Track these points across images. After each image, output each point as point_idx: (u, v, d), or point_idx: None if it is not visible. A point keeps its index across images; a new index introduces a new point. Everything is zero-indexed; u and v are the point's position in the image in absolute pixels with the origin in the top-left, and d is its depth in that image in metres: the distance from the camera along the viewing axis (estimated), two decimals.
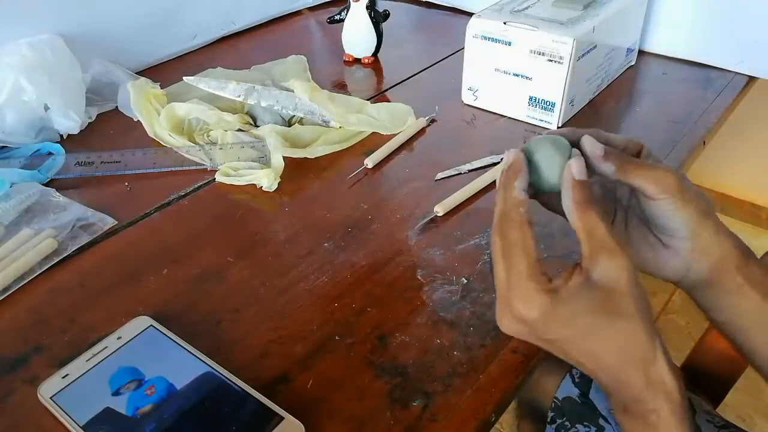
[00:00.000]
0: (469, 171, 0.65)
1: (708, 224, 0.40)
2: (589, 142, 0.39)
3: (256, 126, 0.73)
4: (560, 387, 0.70)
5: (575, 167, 0.37)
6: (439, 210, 0.58)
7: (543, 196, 0.42)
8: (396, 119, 0.73)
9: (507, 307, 0.36)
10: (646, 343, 0.35)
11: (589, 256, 0.36)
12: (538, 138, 0.40)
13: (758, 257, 0.42)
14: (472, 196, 0.61)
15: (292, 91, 0.74)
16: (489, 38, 0.72)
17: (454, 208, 0.59)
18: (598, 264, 0.35)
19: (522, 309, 0.35)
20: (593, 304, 0.35)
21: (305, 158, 0.67)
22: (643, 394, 0.35)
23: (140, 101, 0.73)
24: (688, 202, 0.40)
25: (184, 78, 0.77)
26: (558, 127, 0.72)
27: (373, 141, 0.71)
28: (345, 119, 0.71)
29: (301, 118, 0.73)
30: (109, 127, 0.75)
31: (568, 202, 0.37)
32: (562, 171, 0.38)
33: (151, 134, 0.71)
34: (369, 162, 0.66)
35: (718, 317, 0.43)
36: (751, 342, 0.42)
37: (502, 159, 0.66)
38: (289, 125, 0.73)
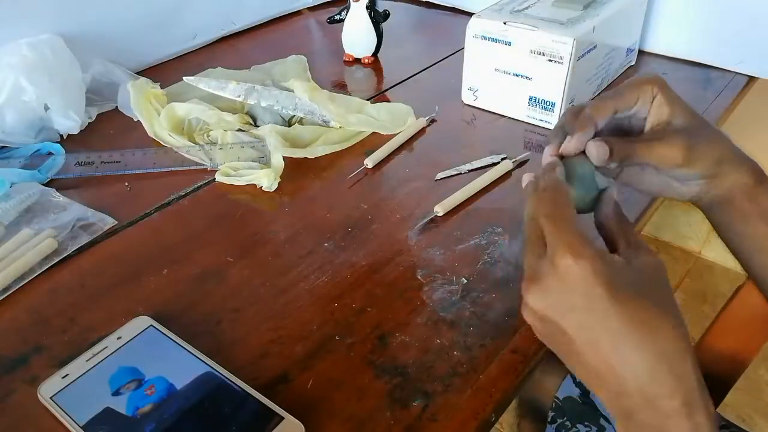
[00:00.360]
0: (469, 171, 0.65)
1: (720, 168, 0.42)
2: (594, 151, 0.40)
3: (256, 126, 0.73)
4: (561, 387, 0.70)
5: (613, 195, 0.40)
6: (439, 210, 0.58)
7: None
8: (396, 119, 0.73)
9: (541, 277, 0.34)
10: (683, 343, 0.32)
11: (627, 247, 0.36)
12: (572, 162, 0.41)
13: None
14: (472, 196, 0.61)
15: (292, 91, 0.73)
16: (489, 38, 0.72)
17: (454, 208, 0.59)
18: (639, 254, 0.35)
19: (570, 259, 0.32)
20: (637, 279, 0.33)
21: (305, 158, 0.67)
22: (683, 408, 0.31)
23: (140, 101, 0.73)
24: (697, 163, 0.41)
25: (184, 78, 0.77)
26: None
27: (373, 141, 0.71)
28: (345, 119, 0.71)
29: (301, 118, 0.73)
30: (109, 127, 0.75)
31: (603, 213, 0.39)
32: (585, 200, 0.40)
33: (151, 134, 0.71)
34: (369, 162, 0.66)
35: (723, 234, 0.45)
36: (748, 260, 0.45)
37: (502, 159, 0.66)
38: (289, 125, 0.73)
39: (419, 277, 0.52)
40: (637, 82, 0.42)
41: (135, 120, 0.74)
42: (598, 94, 0.79)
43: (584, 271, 0.32)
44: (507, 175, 0.64)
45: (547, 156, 0.41)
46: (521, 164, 0.66)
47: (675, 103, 0.42)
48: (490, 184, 0.62)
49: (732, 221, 0.44)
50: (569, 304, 0.33)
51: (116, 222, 0.59)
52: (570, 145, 0.41)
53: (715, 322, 0.78)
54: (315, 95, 0.72)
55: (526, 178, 0.41)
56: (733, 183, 0.43)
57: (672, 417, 0.31)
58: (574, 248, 0.33)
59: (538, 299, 0.35)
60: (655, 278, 0.34)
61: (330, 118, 0.71)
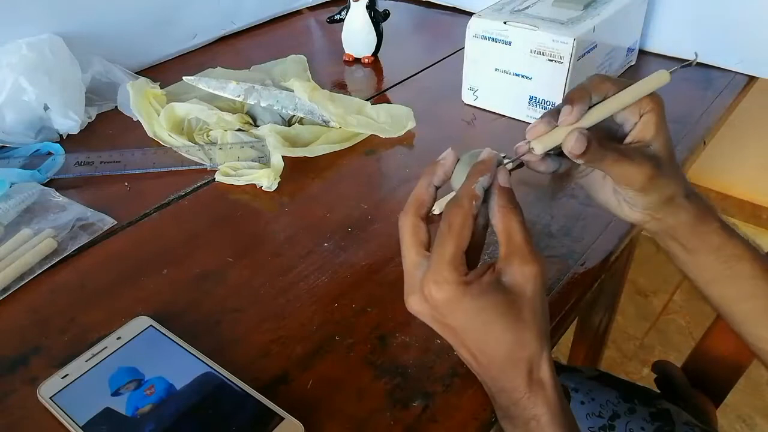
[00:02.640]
0: None
1: (668, 204, 0.42)
2: (570, 142, 0.39)
3: (256, 126, 0.72)
4: None
5: (501, 176, 0.39)
6: (438, 210, 0.58)
7: None
8: (396, 121, 0.73)
9: (418, 285, 0.38)
10: (534, 349, 0.37)
11: (504, 258, 0.37)
12: (470, 154, 0.41)
13: (722, 222, 0.44)
14: None
15: (292, 91, 0.73)
16: (489, 38, 0.72)
17: None
18: (511, 267, 0.37)
19: (434, 290, 0.36)
20: (498, 303, 0.36)
21: (305, 158, 0.67)
22: (525, 400, 0.37)
23: (139, 101, 0.73)
24: (652, 193, 0.41)
25: (184, 78, 0.77)
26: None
27: (374, 141, 0.71)
28: (344, 120, 0.71)
29: (301, 118, 0.73)
30: (108, 127, 0.75)
31: (493, 205, 0.39)
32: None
33: (150, 134, 0.71)
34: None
35: (676, 264, 0.46)
36: (702, 290, 0.45)
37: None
38: (289, 125, 0.73)
39: None
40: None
41: (135, 120, 0.74)
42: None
43: (443, 298, 0.36)
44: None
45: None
46: (521, 164, 0.66)
47: (661, 129, 0.43)
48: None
49: (680, 251, 0.44)
50: (438, 316, 0.38)
51: (116, 222, 0.59)
52: (571, 117, 0.40)
53: (716, 322, 0.78)
54: (315, 95, 0.72)
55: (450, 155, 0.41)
56: (677, 221, 0.43)
57: (516, 403, 0.38)
58: (438, 277, 0.36)
59: (414, 302, 0.39)
60: (519, 296, 0.37)
61: (329, 118, 0.71)
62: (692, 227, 0.43)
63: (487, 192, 0.39)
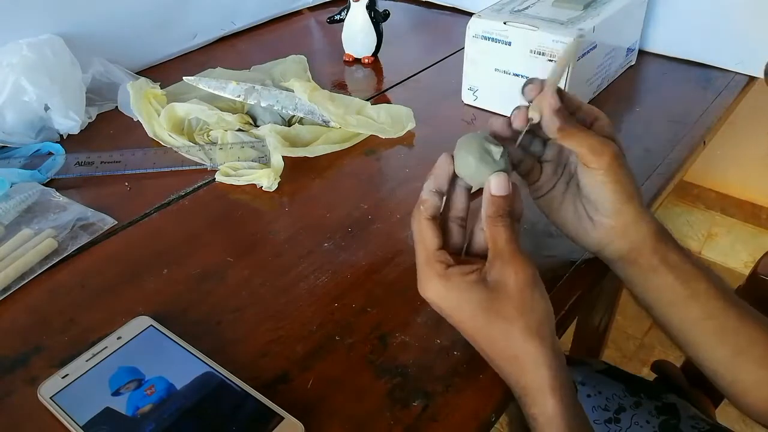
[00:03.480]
0: None
1: (630, 208, 0.43)
2: (549, 95, 0.43)
3: (256, 126, 0.72)
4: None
5: (494, 184, 0.42)
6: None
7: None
8: (396, 122, 0.73)
9: (421, 276, 0.42)
10: (529, 350, 0.38)
11: (489, 261, 0.40)
12: (468, 136, 0.43)
13: (678, 243, 0.45)
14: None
15: (292, 91, 0.73)
16: (489, 38, 0.72)
17: None
18: (493, 268, 0.39)
19: (423, 290, 0.41)
20: (480, 299, 0.39)
21: (305, 158, 0.67)
22: (523, 397, 0.39)
23: (139, 101, 0.73)
24: (616, 180, 0.42)
25: (184, 78, 0.77)
26: None
27: (374, 141, 0.71)
28: (344, 120, 0.71)
29: (301, 118, 0.73)
30: (109, 127, 0.75)
31: (482, 212, 0.42)
32: (478, 176, 0.42)
33: (150, 134, 0.71)
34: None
35: (634, 291, 0.46)
36: (662, 316, 0.45)
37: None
38: (289, 125, 0.73)
39: None
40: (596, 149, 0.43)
41: (135, 120, 0.74)
42: (598, 94, 0.79)
43: (429, 297, 0.41)
44: None
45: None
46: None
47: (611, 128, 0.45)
48: None
49: (639, 274, 0.45)
50: (445, 311, 0.42)
51: (116, 222, 0.59)
52: (537, 86, 0.44)
53: None
54: (315, 95, 0.72)
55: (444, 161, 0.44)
56: (637, 234, 0.44)
57: (519, 399, 0.40)
58: (422, 281, 0.41)
59: (425, 294, 0.42)
60: (501, 292, 0.39)
61: (329, 118, 0.71)
62: (653, 244, 0.43)
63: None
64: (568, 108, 0.44)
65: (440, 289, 0.40)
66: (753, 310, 0.44)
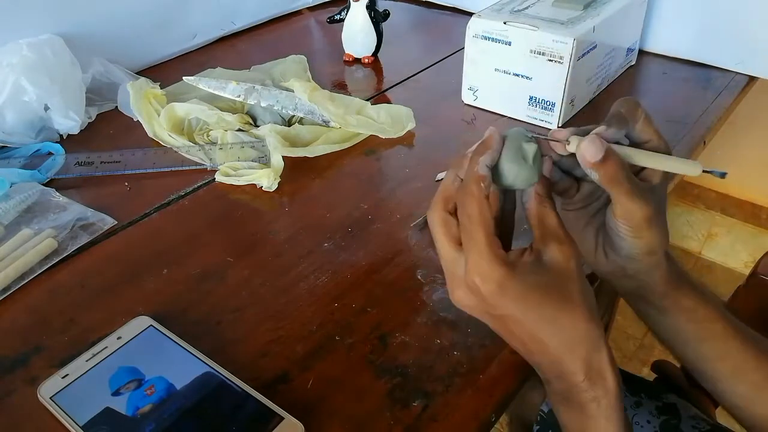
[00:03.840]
0: None
1: (648, 259, 0.41)
2: (592, 146, 0.37)
3: (256, 126, 0.72)
4: (546, 400, 0.71)
5: (546, 166, 0.39)
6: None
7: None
8: (396, 122, 0.73)
9: (461, 279, 0.37)
10: (591, 332, 0.36)
11: (540, 239, 0.37)
12: (512, 132, 0.40)
13: (694, 284, 0.43)
14: None
15: (292, 91, 0.73)
16: (489, 38, 0.72)
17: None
18: (549, 247, 0.37)
19: (478, 280, 0.35)
20: (544, 281, 0.36)
21: (305, 158, 0.67)
22: (584, 383, 0.37)
23: (139, 101, 0.73)
24: (640, 238, 0.40)
25: (184, 78, 0.77)
26: (558, 127, 0.72)
27: (374, 141, 0.71)
28: (344, 120, 0.71)
29: (301, 118, 0.73)
30: (109, 127, 0.75)
31: (529, 193, 0.39)
32: (517, 174, 0.38)
33: (150, 134, 0.71)
34: None
35: (646, 323, 0.46)
36: (677, 352, 0.45)
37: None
38: (289, 125, 0.73)
39: (419, 277, 0.52)
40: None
41: (135, 120, 0.74)
42: (598, 94, 0.79)
43: (491, 289, 0.35)
44: None
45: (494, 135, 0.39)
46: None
47: (665, 176, 0.42)
48: None
49: (650, 311, 0.44)
50: (487, 308, 0.37)
51: (116, 222, 0.59)
52: (605, 134, 0.38)
53: None
54: (315, 95, 0.72)
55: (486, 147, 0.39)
56: (650, 280, 0.42)
57: (575, 387, 0.37)
58: (480, 269, 0.35)
59: (461, 297, 0.38)
60: (563, 273, 0.36)
61: (329, 118, 0.71)
62: (664, 289, 0.43)
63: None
64: (638, 137, 0.41)
65: (504, 278, 0.35)
66: None
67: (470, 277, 0.36)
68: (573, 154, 0.39)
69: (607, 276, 0.44)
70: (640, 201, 0.38)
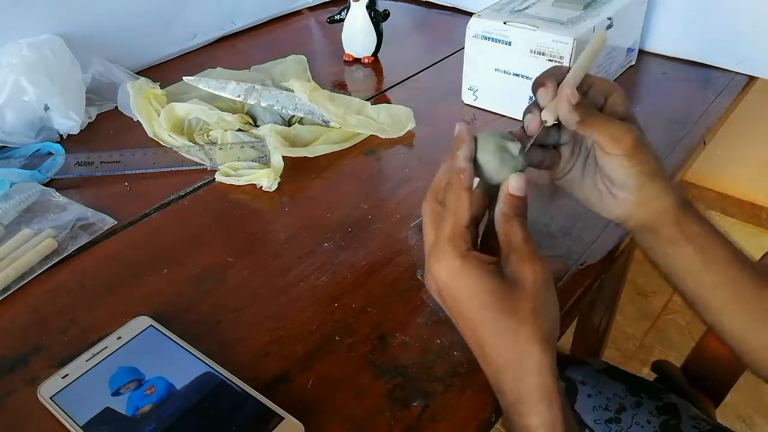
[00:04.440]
0: None
1: (653, 184, 0.43)
2: (567, 89, 0.41)
3: (256, 126, 0.72)
4: None
5: (512, 183, 0.40)
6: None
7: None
8: (396, 121, 0.73)
9: (427, 263, 0.39)
10: (534, 354, 0.36)
11: (504, 256, 0.39)
12: (485, 134, 0.42)
13: (699, 212, 0.45)
14: None
15: (292, 91, 0.73)
16: (489, 38, 0.72)
17: None
18: (509, 263, 0.38)
19: (435, 266, 0.38)
20: (495, 289, 0.37)
21: (305, 158, 0.67)
22: (519, 406, 0.37)
23: (139, 101, 0.73)
24: (638, 162, 0.42)
25: (184, 78, 0.77)
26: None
27: (374, 141, 0.71)
28: (344, 120, 0.71)
29: (301, 118, 0.73)
30: (109, 127, 0.75)
31: (497, 210, 0.40)
32: (497, 174, 0.41)
33: (150, 134, 0.71)
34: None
35: (653, 258, 0.46)
36: (680, 282, 0.45)
37: None
38: (289, 125, 0.73)
39: (419, 277, 0.52)
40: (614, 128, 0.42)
41: (135, 120, 0.74)
42: None
43: (442, 278, 0.38)
44: None
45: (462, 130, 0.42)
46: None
47: (629, 109, 0.44)
48: None
49: (659, 244, 0.45)
50: (442, 297, 0.39)
51: (116, 222, 0.59)
52: (550, 92, 0.42)
53: None
54: (315, 95, 0.72)
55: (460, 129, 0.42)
56: (659, 207, 0.44)
57: (511, 407, 0.37)
58: (438, 254, 0.38)
59: (427, 280, 0.39)
60: (520, 288, 0.37)
61: (329, 118, 0.71)
62: (674, 216, 0.43)
63: (496, 197, 0.41)
64: (580, 90, 0.43)
65: (457, 269, 0.37)
66: None
67: (431, 259, 0.38)
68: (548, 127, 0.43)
69: (624, 218, 0.46)
70: (622, 126, 0.42)
